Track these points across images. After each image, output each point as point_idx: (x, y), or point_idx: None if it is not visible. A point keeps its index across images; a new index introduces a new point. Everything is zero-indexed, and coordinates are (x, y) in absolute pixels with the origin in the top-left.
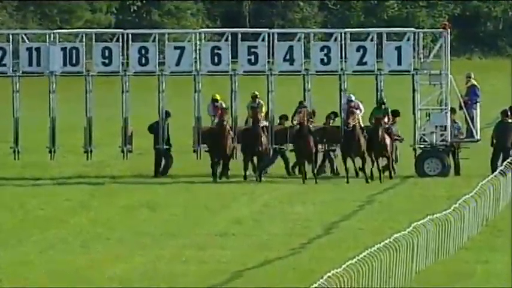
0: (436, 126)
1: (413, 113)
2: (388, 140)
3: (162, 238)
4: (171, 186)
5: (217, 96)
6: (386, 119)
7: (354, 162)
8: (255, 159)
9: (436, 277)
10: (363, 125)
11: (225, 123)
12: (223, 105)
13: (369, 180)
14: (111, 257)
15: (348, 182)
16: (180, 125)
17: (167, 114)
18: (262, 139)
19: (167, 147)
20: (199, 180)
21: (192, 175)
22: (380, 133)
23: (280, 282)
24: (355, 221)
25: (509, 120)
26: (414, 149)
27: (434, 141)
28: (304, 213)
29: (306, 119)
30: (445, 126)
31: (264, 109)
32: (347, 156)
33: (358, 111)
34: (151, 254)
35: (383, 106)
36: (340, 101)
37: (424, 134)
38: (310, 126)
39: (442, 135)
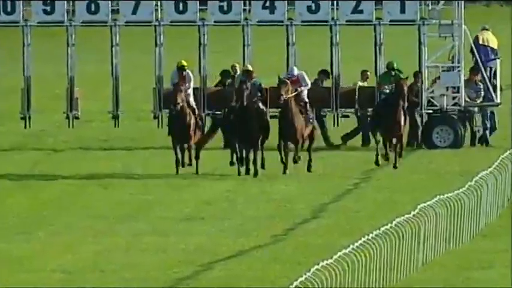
0: (447, 88)
1: (420, 71)
2: (402, 119)
3: (116, 222)
4: (126, 159)
5: (184, 63)
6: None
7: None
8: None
9: (446, 269)
10: (307, 100)
11: (192, 103)
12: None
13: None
14: (55, 245)
15: (284, 173)
16: (138, 86)
17: None
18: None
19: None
20: (161, 153)
21: (151, 146)
22: (399, 108)
23: (259, 275)
24: (348, 202)
25: None
26: (421, 115)
27: (445, 105)
28: (288, 192)
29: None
30: (458, 88)
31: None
32: (283, 141)
33: (303, 87)
34: (103, 242)
35: (393, 72)
36: (331, 57)
37: (432, 97)
38: (260, 104)
39: (454, 98)
